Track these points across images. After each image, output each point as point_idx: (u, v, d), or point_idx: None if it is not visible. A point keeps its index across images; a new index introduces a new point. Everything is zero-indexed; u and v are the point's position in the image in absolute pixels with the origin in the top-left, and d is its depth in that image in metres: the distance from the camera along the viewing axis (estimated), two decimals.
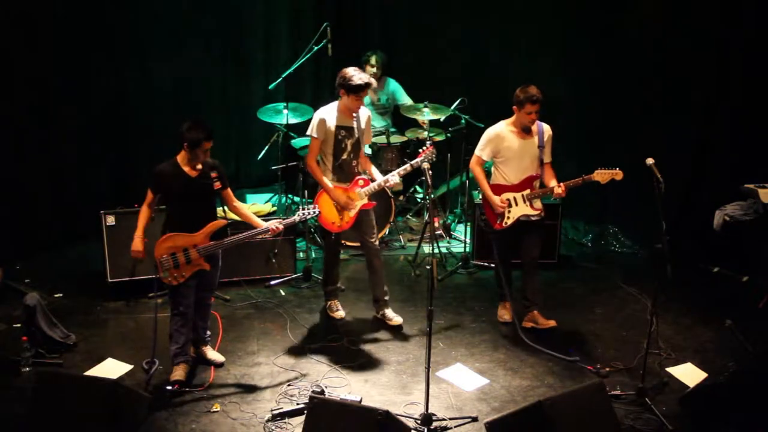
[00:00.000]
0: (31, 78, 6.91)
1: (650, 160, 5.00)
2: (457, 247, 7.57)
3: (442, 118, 7.49)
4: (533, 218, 5.77)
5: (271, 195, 8.19)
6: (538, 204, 5.78)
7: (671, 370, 5.42)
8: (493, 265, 7.02)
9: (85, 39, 7.16)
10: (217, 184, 5.15)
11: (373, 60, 7.63)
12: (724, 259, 6.87)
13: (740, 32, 7.01)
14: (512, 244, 5.89)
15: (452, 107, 7.42)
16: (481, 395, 5.14)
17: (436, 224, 7.59)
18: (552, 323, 5.92)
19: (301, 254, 7.10)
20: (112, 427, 4.33)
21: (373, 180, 5.80)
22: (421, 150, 5.77)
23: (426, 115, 7.35)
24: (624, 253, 7.61)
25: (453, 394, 5.14)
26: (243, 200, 7.97)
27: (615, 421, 4.57)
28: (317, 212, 5.40)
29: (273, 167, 7.82)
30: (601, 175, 5.54)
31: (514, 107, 5.64)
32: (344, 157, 5.70)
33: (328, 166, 5.73)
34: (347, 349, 5.71)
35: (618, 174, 5.53)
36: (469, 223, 7.33)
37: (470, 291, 6.74)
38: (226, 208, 5.43)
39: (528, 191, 5.73)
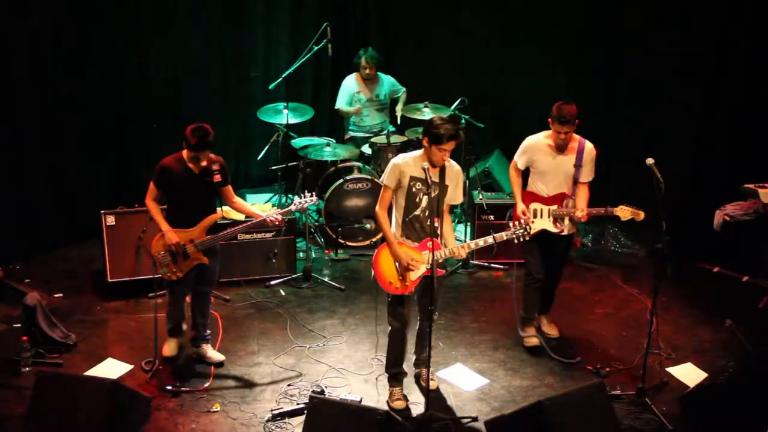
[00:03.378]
0: (31, 78, 6.89)
1: (650, 160, 4.98)
2: None
3: None
4: (556, 233, 5.51)
5: (271, 195, 8.19)
6: (562, 223, 5.51)
7: (671, 370, 5.42)
8: (490, 265, 7.07)
9: (84, 38, 7.15)
10: (217, 177, 5.16)
11: (363, 61, 7.64)
12: (724, 259, 6.85)
13: (741, 31, 7.01)
14: (542, 256, 5.59)
15: (452, 107, 7.42)
16: (481, 395, 5.14)
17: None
18: (555, 333, 5.88)
19: (301, 254, 7.09)
20: (112, 427, 4.33)
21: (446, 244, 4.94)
22: (511, 224, 5.01)
23: (426, 115, 7.35)
24: (624, 253, 7.61)
25: (453, 394, 5.15)
26: (243, 200, 7.97)
27: (615, 421, 4.58)
28: (314, 199, 5.32)
29: (273, 167, 7.82)
30: (623, 211, 5.36)
31: (549, 120, 5.34)
32: (416, 212, 4.89)
33: (398, 219, 4.95)
34: (347, 349, 5.71)
35: (639, 215, 5.34)
36: (469, 224, 7.32)
37: (470, 291, 6.73)
38: (225, 207, 5.45)
39: (555, 207, 5.49)
